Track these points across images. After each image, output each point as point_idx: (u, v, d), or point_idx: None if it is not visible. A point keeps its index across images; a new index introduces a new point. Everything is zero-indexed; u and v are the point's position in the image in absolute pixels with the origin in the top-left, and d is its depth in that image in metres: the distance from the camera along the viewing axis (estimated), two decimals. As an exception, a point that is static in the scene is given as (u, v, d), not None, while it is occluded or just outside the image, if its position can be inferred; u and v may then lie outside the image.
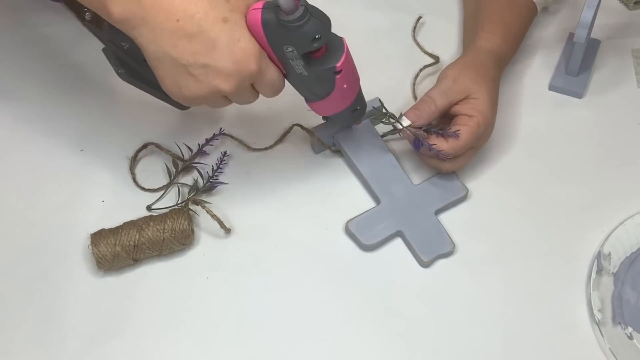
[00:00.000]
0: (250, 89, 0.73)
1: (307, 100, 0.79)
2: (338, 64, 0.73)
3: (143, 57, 0.72)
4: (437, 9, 1.02)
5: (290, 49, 0.70)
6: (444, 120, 0.85)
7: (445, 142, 0.81)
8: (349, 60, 0.75)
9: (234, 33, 0.69)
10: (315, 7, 0.69)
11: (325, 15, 0.70)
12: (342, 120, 0.84)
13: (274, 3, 0.68)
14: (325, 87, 0.75)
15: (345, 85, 0.76)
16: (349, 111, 0.81)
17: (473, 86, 0.83)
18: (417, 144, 0.83)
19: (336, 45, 0.73)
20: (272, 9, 0.68)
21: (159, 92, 0.76)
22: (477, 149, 0.85)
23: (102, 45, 0.79)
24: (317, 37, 0.69)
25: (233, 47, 0.69)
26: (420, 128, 0.82)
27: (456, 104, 0.83)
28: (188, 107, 0.85)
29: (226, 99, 0.74)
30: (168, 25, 0.68)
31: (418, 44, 0.99)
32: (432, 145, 0.81)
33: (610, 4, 1.03)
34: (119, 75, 0.79)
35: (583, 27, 0.88)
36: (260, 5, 0.69)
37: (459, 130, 0.81)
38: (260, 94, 0.75)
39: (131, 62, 0.77)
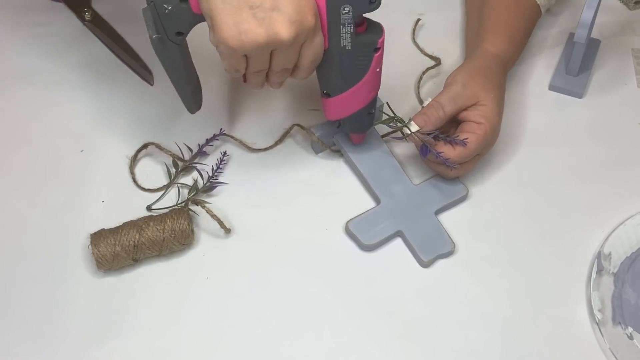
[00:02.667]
0: (298, 49, 0.74)
1: (328, 96, 0.80)
2: (380, 40, 0.76)
3: (178, 29, 0.73)
4: (437, 9, 1.02)
5: (347, 9, 0.73)
6: (450, 124, 0.84)
7: (452, 150, 0.81)
8: (384, 44, 0.78)
9: None
10: None
11: None
12: (356, 124, 0.84)
13: None
14: (361, 67, 0.77)
15: (378, 69, 0.78)
16: (365, 112, 0.81)
17: (482, 92, 0.82)
18: (425, 151, 0.82)
19: (375, 26, 0.77)
20: None
21: (179, 78, 0.75)
22: (482, 155, 0.85)
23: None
24: None
25: None
26: (428, 134, 0.81)
27: (464, 109, 0.82)
28: (198, 109, 0.85)
29: (267, 62, 0.74)
30: None
31: (418, 46, 0.99)
32: (439, 153, 0.81)
33: (610, 4, 1.03)
34: (152, 40, 0.75)
35: (583, 27, 0.87)
36: None
37: (467, 138, 0.81)
38: (296, 66, 0.76)
39: (166, 33, 0.75)
